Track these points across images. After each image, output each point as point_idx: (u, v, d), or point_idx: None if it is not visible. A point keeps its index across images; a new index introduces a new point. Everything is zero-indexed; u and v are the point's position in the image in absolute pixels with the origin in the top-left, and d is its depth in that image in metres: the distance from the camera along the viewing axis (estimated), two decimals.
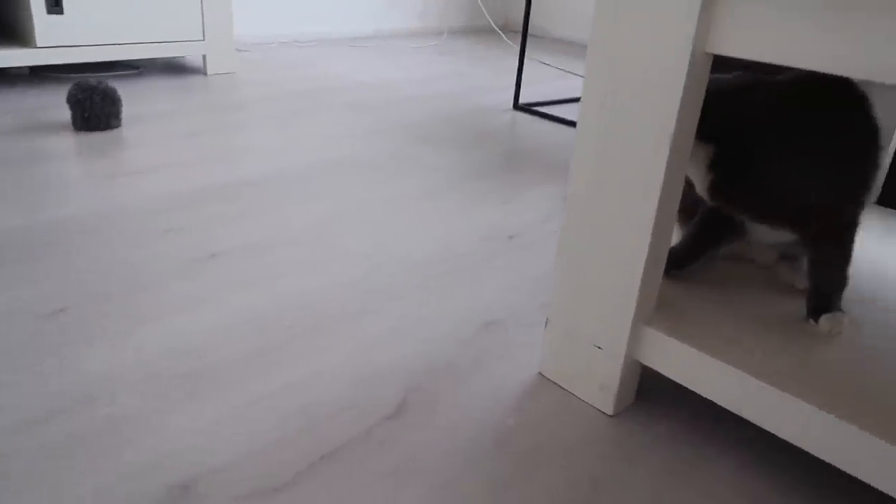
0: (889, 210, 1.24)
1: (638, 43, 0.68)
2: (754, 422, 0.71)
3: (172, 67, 2.57)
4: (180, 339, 0.90)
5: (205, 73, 2.48)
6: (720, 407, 0.73)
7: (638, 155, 0.71)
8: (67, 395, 0.78)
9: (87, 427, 0.74)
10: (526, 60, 2.45)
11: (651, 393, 0.87)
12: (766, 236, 0.87)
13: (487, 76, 2.94)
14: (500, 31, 4.01)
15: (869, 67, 0.54)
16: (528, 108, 2.35)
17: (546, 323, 0.88)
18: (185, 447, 0.72)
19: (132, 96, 2.09)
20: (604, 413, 0.83)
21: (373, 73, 2.83)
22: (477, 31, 4.29)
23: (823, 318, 0.79)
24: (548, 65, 3.27)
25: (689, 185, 0.93)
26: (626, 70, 0.70)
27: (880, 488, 0.62)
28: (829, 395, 0.67)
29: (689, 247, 0.90)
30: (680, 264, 0.90)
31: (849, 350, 0.76)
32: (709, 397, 0.74)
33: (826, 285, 0.81)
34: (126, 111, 1.90)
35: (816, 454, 0.66)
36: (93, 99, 1.71)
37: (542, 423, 0.81)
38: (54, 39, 2.04)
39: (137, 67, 2.48)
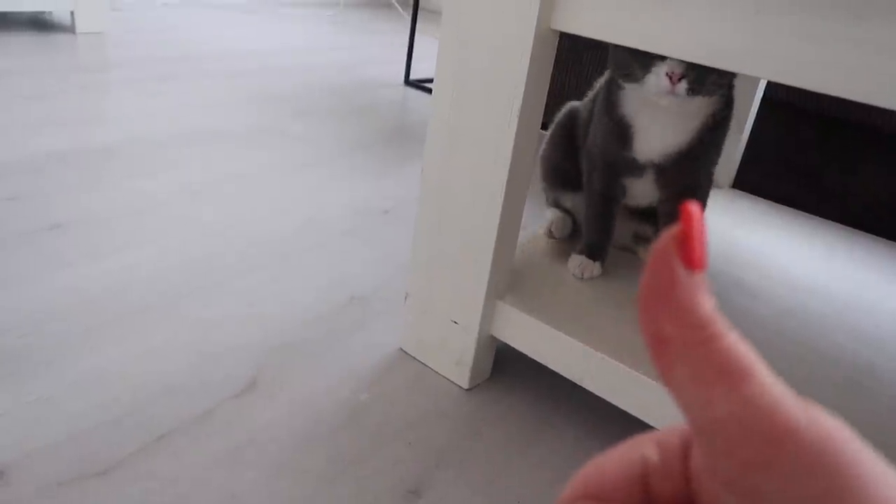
0: (741, 192, 1.32)
1: (486, 17, 0.68)
2: (593, 391, 0.73)
3: (38, 23, 2.36)
4: (8, 314, 0.83)
5: (73, 32, 2.30)
6: (571, 381, 0.75)
7: (487, 129, 0.71)
8: None
9: None
10: (421, 37, 2.42)
11: (509, 367, 0.88)
12: (642, 200, 0.89)
13: (381, 50, 2.89)
14: (399, 6, 3.96)
15: (701, 51, 0.56)
16: (418, 84, 2.33)
17: (405, 298, 0.87)
18: (1, 430, 0.66)
19: None
20: (459, 387, 0.83)
21: (259, 40, 2.72)
22: (375, 4, 4.21)
23: None
24: None
25: (562, 156, 0.94)
26: (476, 44, 0.69)
27: None
28: None
29: (604, 235, 0.89)
30: (601, 255, 0.88)
31: None
32: (555, 369, 0.76)
33: None
34: None
35: (650, 422, 0.69)
36: None
37: (396, 397, 0.80)
38: None
39: None
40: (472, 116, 0.72)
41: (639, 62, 0.73)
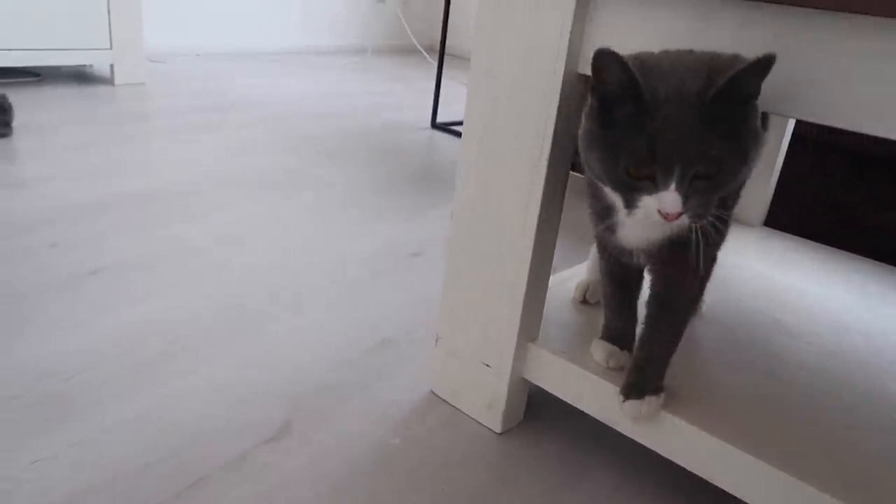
0: (772, 230, 1.30)
1: (514, 61, 0.69)
2: (629, 435, 0.72)
3: (79, 76, 2.46)
4: (49, 359, 0.85)
5: (112, 84, 2.39)
6: (606, 425, 0.74)
7: (517, 172, 0.72)
8: None
9: None
10: (448, 82, 2.47)
11: (542, 410, 0.87)
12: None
13: (407, 95, 2.95)
14: (424, 52, 4.04)
15: None
16: (444, 128, 2.37)
17: (436, 341, 0.87)
18: (45, 473, 0.67)
19: (29, 104, 1.99)
20: (492, 431, 0.83)
21: (288, 88, 2.79)
22: (401, 50, 4.31)
23: (630, 404, 0.69)
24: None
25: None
26: (504, 88, 0.71)
27: (738, 495, 0.64)
28: (699, 409, 0.69)
29: (625, 318, 0.76)
30: (626, 342, 0.76)
31: (715, 357, 0.78)
32: (589, 413, 0.75)
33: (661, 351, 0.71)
34: (20, 119, 1.80)
35: (687, 467, 0.68)
36: None
37: (428, 442, 0.79)
38: None
39: (38, 74, 2.36)
40: (501, 159, 0.73)
41: (623, 190, 0.55)
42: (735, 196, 0.67)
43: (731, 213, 0.66)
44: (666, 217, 0.53)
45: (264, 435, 0.77)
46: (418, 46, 4.04)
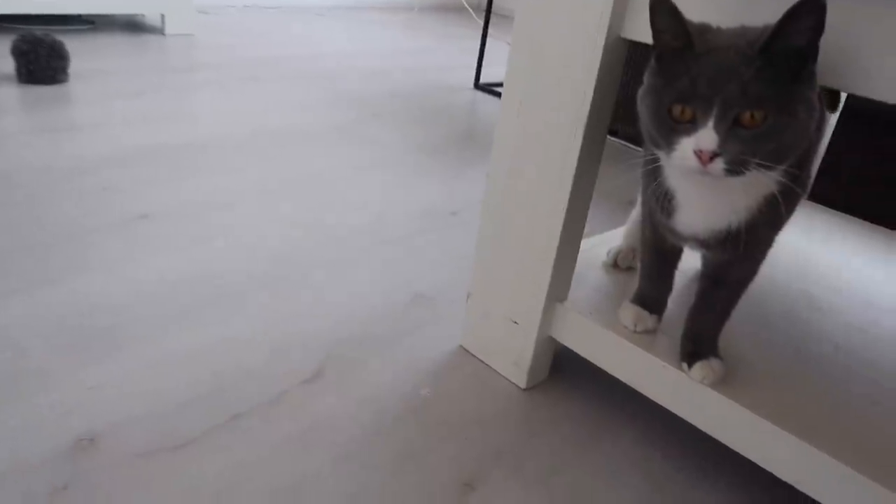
0: (816, 205, 1.28)
1: (557, 24, 0.69)
2: (652, 398, 0.73)
3: (131, 25, 2.50)
4: (101, 295, 0.90)
5: (163, 34, 2.43)
6: (629, 386, 0.76)
7: (554, 135, 0.72)
8: None
9: None
10: (493, 41, 2.44)
11: (567, 369, 0.89)
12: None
13: (452, 54, 2.93)
14: (472, 10, 3.99)
15: None
16: (488, 88, 2.35)
17: (468, 297, 0.89)
18: (94, 400, 0.72)
19: (84, 52, 2.04)
20: (517, 387, 0.85)
21: (334, 43, 2.79)
22: (449, 8, 4.26)
23: (697, 367, 0.70)
24: None
25: None
26: (546, 51, 0.71)
27: (760, 462, 0.66)
28: (726, 378, 0.70)
29: (660, 286, 0.78)
30: (658, 307, 0.78)
31: (746, 329, 0.79)
32: (613, 374, 0.77)
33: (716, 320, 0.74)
34: (75, 66, 1.85)
35: (710, 433, 0.69)
36: (38, 52, 1.66)
37: (456, 395, 0.82)
38: None
39: (92, 22, 2.41)
40: (539, 122, 0.74)
41: (663, 131, 0.56)
42: (801, 180, 0.62)
43: (799, 194, 0.62)
44: (700, 156, 0.53)
45: (299, 378, 0.81)
46: (465, 4, 3.99)
